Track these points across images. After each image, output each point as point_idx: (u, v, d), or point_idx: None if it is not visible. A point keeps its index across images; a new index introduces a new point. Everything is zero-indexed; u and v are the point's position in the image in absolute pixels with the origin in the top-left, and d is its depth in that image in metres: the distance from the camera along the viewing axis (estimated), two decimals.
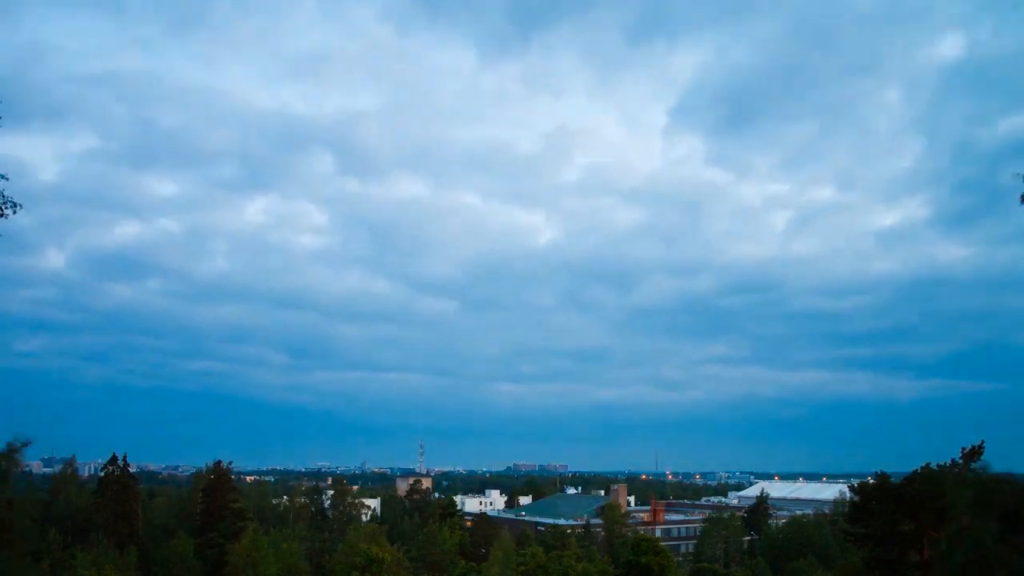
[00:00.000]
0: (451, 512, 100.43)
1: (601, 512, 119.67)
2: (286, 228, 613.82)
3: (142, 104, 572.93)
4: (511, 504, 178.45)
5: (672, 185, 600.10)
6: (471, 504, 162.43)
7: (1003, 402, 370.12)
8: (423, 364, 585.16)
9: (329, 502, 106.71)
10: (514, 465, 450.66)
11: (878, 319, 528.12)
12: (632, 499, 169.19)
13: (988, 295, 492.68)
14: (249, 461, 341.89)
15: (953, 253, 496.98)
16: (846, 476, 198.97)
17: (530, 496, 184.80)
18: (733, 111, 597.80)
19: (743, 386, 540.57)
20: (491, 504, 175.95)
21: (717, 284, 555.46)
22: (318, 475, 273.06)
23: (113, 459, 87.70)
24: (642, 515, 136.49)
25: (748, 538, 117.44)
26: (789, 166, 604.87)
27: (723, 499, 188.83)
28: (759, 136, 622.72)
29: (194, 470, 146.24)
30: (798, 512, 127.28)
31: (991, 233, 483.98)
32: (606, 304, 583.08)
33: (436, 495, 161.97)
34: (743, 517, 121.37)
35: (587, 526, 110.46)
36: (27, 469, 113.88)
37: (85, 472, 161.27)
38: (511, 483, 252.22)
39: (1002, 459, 39.39)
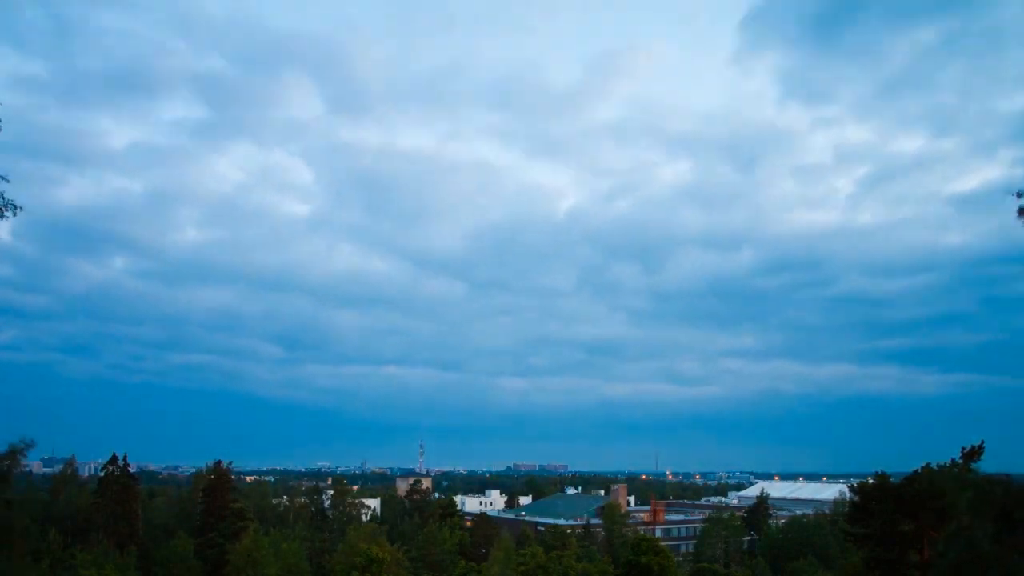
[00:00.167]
0: (451, 512, 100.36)
1: (601, 512, 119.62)
2: (267, 188, 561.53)
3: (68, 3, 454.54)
4: (511, 504, 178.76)
5: (732, 130, 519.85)
6: (471, 504, 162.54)
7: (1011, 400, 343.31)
8: (425, 357, 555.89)
9: (329, 502, 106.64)
10: (514, 465, 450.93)
11: (927, 305, 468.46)
12: (632, 499, 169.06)
13: None
14: (249, 461, 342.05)
15: None
16: (846, 476, 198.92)
17: (530, 496, 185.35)
18: (824, 8, 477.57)
19: (763, 382, 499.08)
20: (491, 504, 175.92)
21: (756, 260, 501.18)
22: (318, 475, 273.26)
23: (113, 459, 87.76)
24: (642, 515, 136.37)
25: (748, 538, 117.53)
26: (881, 98, 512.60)
27: (723, 499, 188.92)
28: (855, 49, 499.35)
29: (194, 470, 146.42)
30: (798, 512, 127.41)
31: None
32: (625, 286, 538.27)
33: (436, 495, 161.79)
34: (743, 517, 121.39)
35: (587, 526, 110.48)
36: (27, 469, 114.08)
37: (85, 472, 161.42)
38: (511, 483, 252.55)
39: (1001, 459, 39.35)
